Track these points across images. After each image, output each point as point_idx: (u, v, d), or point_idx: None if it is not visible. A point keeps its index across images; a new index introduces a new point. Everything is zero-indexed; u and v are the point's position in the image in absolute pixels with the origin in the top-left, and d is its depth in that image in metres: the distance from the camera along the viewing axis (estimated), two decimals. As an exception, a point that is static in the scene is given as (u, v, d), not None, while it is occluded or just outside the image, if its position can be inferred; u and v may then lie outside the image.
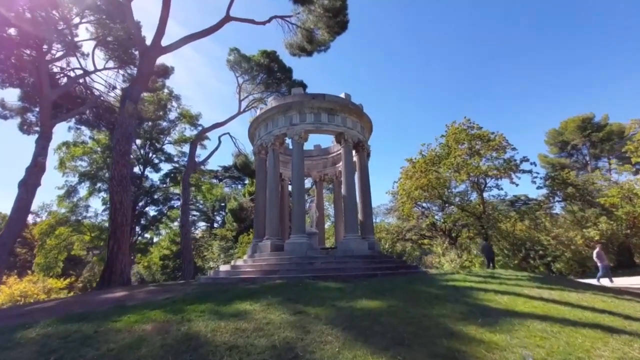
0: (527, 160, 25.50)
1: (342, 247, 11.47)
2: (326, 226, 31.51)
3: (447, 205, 27.67)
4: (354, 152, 13.42)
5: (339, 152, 16.89)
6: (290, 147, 13.44)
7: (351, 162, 12.68)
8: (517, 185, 23.93)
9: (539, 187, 27.52)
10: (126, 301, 6.50)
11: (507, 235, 23.11)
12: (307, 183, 37.46)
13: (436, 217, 29.01)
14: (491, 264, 16.04)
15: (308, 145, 15.86)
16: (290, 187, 15.46)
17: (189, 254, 18.67)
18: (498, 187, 24.22)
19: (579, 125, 43.72)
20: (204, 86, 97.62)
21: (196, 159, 28.03)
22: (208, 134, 31.67)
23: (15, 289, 17.88)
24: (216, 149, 27.08)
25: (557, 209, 28.30)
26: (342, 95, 13.10)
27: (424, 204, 30.16)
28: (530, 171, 26.16)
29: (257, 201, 13.52)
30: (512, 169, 23.20)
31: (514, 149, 23.99)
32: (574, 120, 44.31)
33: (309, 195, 30.71)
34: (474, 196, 26.16)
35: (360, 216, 12.78)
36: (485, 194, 24.85)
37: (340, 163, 16.59)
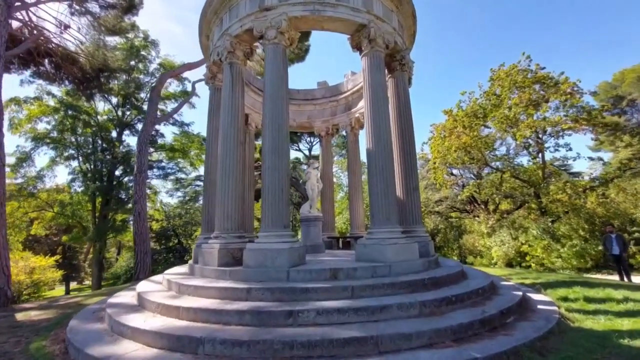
0: (608, 110, 18.90)
1: (366, 254, 5.53)
2: (337, 197, 25.63)
3: (489, 170, 21.49)
4: (386, 71, 7.04)
5: (356, 89, 10.49)
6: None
7: (382, 87, 6.38)
8: (601, 142, 17.44)
9: (627, 146, 21.02)
10: None
11: (579, 209, 16.77)
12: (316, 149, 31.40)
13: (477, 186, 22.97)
14: (622, 268, 9.52)
15: (308, 83, 9.63)
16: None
17: (143, 243, 13.15)
18: (558, 146, 17.21)
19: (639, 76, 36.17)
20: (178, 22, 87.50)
21: (169, 114, 22.21)
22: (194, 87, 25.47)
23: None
24: (187, 99, 20.81)
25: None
26: (365, -45, 6.63)
27: (454, 171, 24.33)
28: (616, 124, 19.45)
29: (206, 166, 7.43)
30: (595, 120, 16.41)
31: (594, 93, 17.00)
32: (634, 70, 36.55)
33: (316, 160, 24.92)
34: (519, 160, 20.11)
35: (399, 192, 6.68)
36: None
37: (360, 104, 10.18)
